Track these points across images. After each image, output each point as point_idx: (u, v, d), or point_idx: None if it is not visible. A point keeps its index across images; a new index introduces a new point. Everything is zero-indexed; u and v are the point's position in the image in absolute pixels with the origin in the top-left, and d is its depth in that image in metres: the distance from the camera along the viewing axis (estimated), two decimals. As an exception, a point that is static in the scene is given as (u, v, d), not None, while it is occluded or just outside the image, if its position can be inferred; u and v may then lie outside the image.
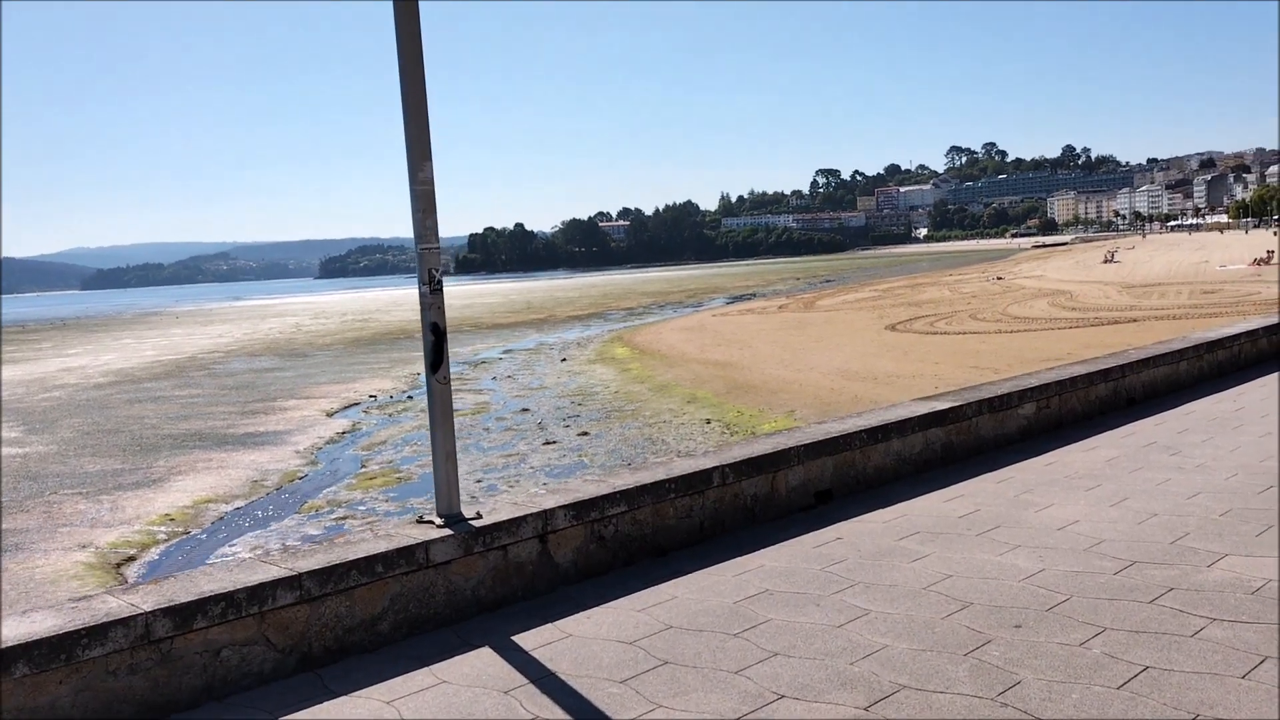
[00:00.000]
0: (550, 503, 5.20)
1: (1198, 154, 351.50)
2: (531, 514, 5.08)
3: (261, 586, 4.13)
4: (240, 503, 18.82)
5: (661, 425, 23.21)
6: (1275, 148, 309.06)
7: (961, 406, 6.63)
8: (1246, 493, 5.99)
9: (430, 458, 5.07)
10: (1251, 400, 8.55)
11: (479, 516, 5.07)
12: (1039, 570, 4.92)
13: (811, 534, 5.64)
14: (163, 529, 17.11)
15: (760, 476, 5.73)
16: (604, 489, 5.30)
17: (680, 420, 23.57)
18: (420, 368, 32.55)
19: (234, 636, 4.05)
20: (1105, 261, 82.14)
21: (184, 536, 16.69)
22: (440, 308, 5.06)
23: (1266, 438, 7.03)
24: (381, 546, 4.60)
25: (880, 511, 5.94)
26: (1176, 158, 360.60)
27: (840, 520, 5.83)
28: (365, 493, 18.81)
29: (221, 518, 17.82)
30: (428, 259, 4.97)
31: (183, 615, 3.91)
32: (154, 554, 15.87)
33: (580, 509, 5.18)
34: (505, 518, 5.05)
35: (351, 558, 4.44)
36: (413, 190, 4.84)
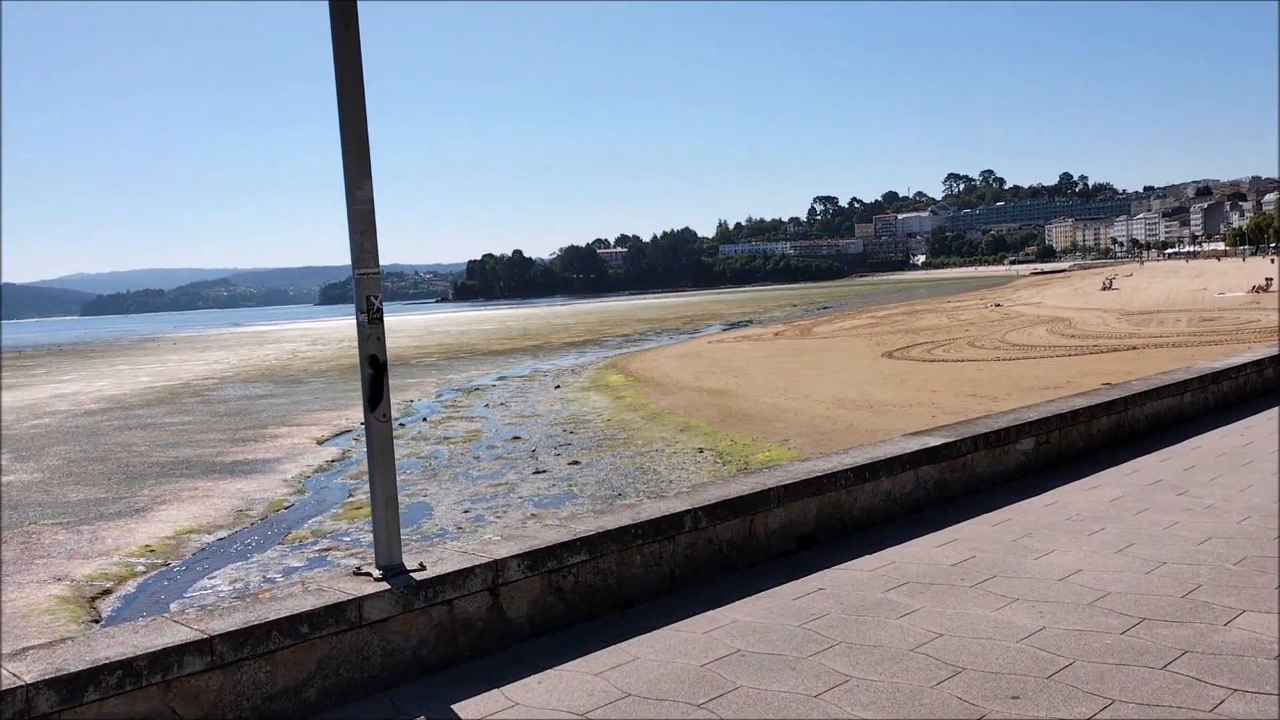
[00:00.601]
0: (503, 551, 4.74)
1: (1194, 182, 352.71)
2: (481, 564, 4.63)
3: (166, 652, 3.68)
4: (224, 533, 18.33)
5: (653, 454, 22.75)
6: (1271, 176, 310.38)
7: (955, 443, 6.17)
8: (1261, 538, 5.53)
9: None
10: (1260, 435, 8.14)
11: (422, 568, 4.62)
12: (1039, 629, 4.47)
13: (791, 584, 5.17)
14: (142, 561, 16.61)
15: (737, 520, 5.29)
16: (564, 535, 4.85)
17: (672, 449, 23.12)
18: (410, 395, 32.15)
19: (133, 710, 3.60)
20: (1104, 289, 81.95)
21: (163, 569, 16.20)
22: (380, 338, 4.63)
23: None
24: (309, 603, 4.15)
25: (867, 558, 5.47)
26: (1173, 185, 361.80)
27: (823, 568, 5.35)
28: (351, 523, 18.33)
29: (203, 549, 17.33)
30: (365, 285, 4.55)
31: (72, 687, 3.46)
32: (130, 587, 15.37)
33: (536, 558, 4.73)
34: (452, 569, 4.60)
35: (273, 617, 3.98)
36: (350, 210, 4.42)
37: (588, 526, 4.89)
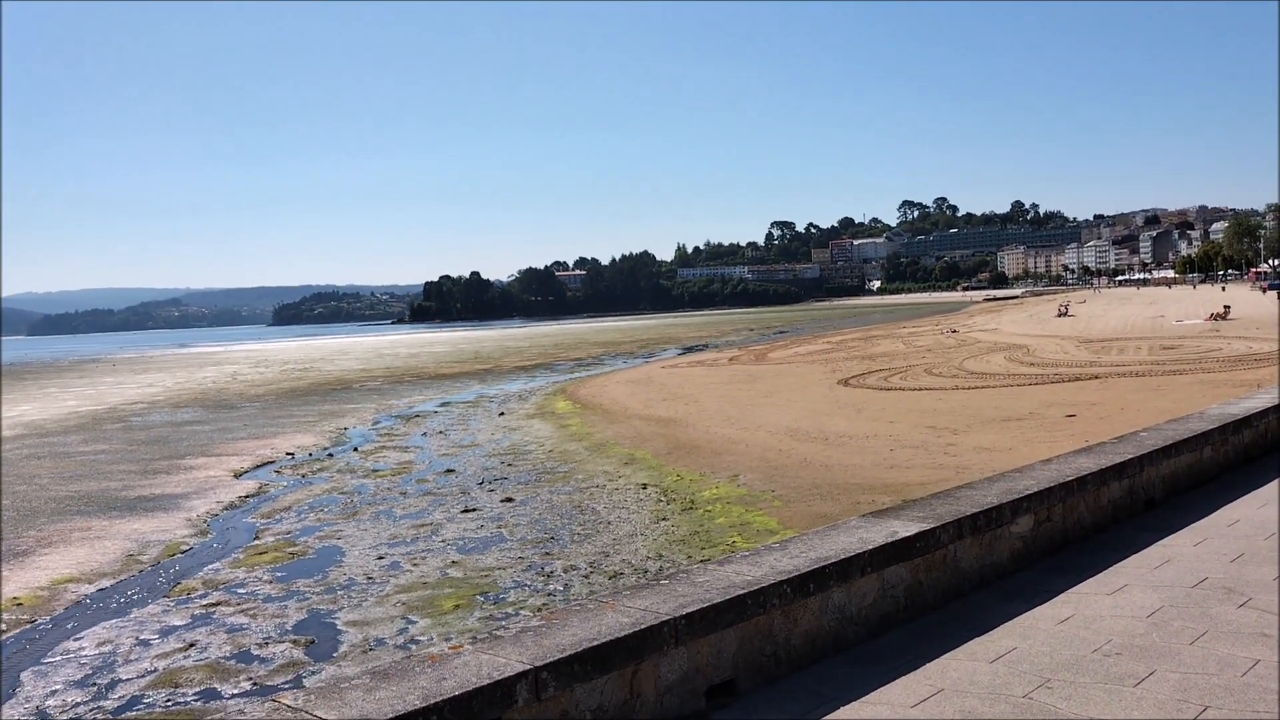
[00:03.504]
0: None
1: (1143, 210, 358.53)
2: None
3: None
4: (106, 582, 16.43)
5: (594, 491, 21.15)
6: (1218, 205, 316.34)
7: (933, 530, 4.49)
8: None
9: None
10: None
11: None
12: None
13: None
14: (6, 617, 14.68)
15: (610, 677, 3.48)
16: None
17: (615, 485, 21.53)
18: (345, 422, 30.05)
19: None
20: (1059, 315, 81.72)
21: (27, 627, 14.29)
22: None
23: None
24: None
25: (811, 723, 3.80)
26: (1122, 214, 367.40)
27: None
28: (250, 571, 16.51)
29: (79, 602, 15.43)
30: None
31: None
32: (-17, 651, 13.45)
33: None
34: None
35: None
36: None
37: (352, 715, 3.05)
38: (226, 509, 21.89)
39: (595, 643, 3.42)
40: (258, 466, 27.74)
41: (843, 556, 4.05)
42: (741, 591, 3.72)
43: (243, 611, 14.21)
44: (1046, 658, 4.26)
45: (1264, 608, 4.47)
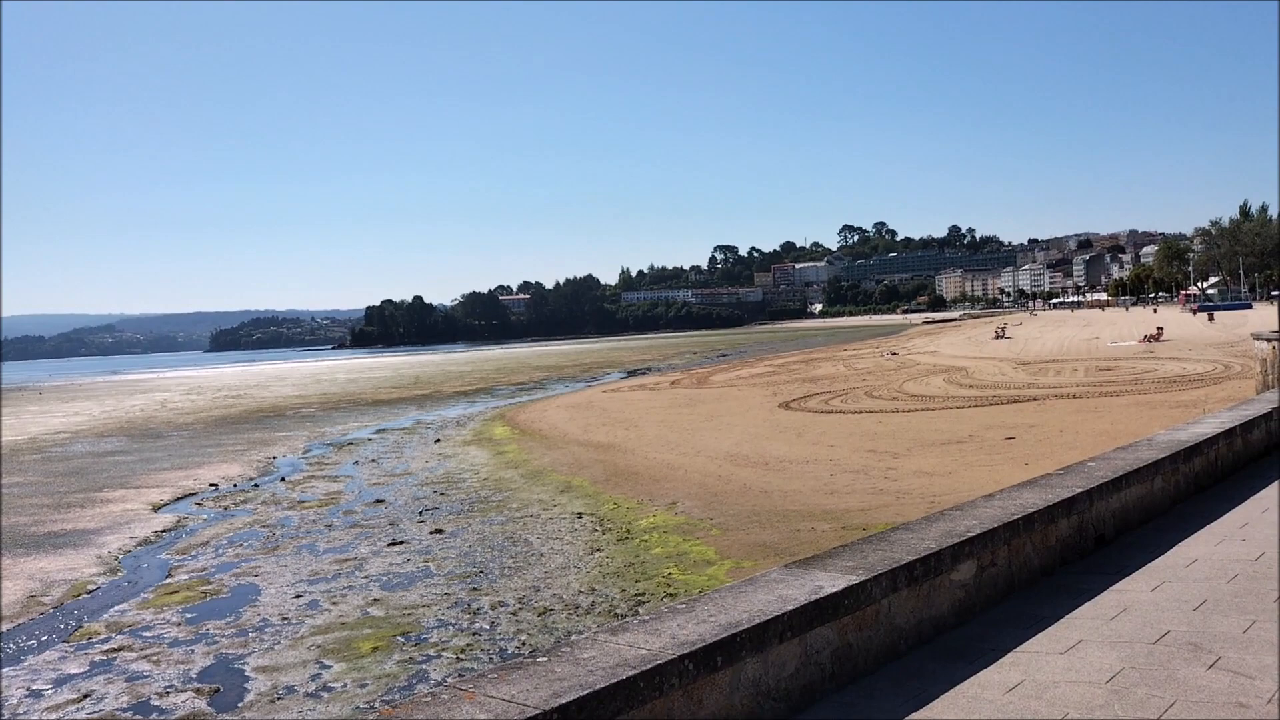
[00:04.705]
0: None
1: (1076, 235, 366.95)
2: None
3: None
4: (4, 626, 15.36)
5: (528, 520, 20.46)
6: (1148, 230, 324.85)
7: (864, 584, 3.88)
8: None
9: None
10: (1263, 537, 5.99)
11: None
12: None
13: None
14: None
15: None
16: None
17: (549, 514, 20.87)
18: (275, 450, 28.99)
19: None
20: (996, 337, 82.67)
21: (-92, 678, 13.22)
22: None
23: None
24: None
25: None
26: (1056, 238, 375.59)
27: None
28: (158, 612, 15.57)
29: (-30, 649, 14.37)
30: None
31: None
32: None
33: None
34: None
35: None
36: None
37: None
38: (140, 545, 20.82)
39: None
40: (178, 499, 26.59)
41: (758, 621, 3.42)
42: (633, 672, 3.03)
43: (146, 657, 13.31)
44: (996, 735, 3.77)
45: (1236, 668, 3.91)
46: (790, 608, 3.39)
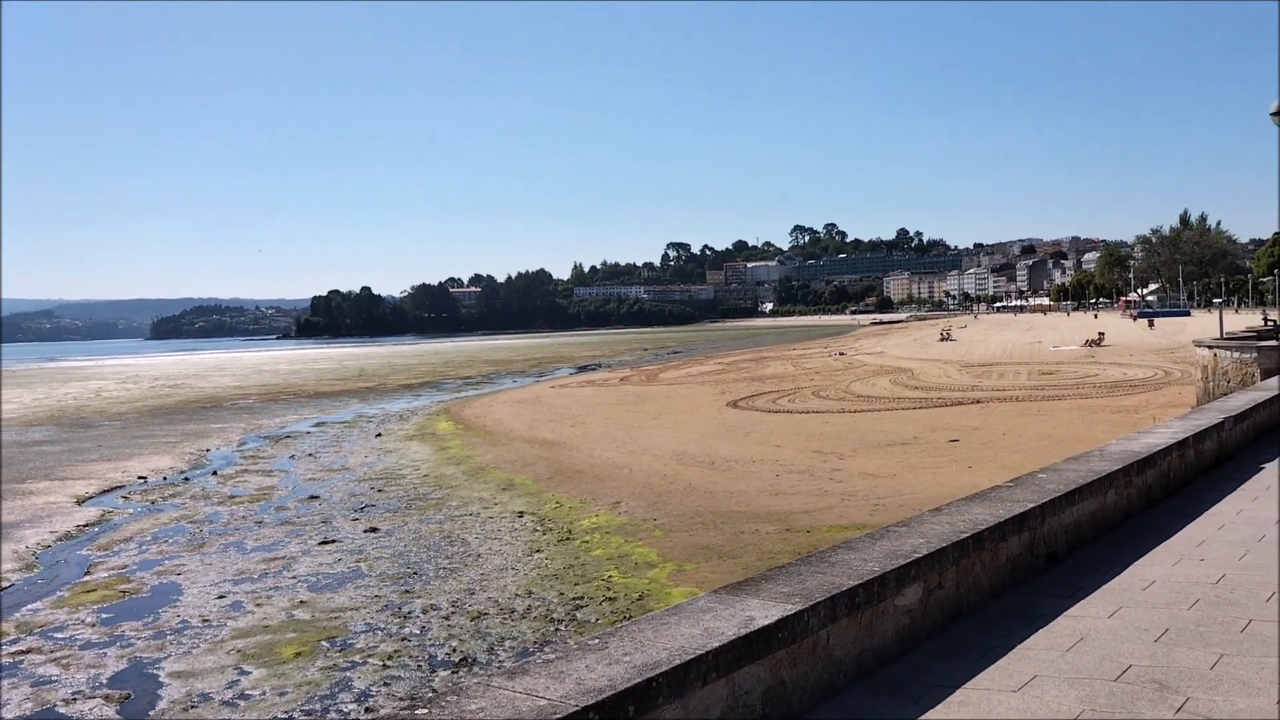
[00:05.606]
0: None
1: (1020, 240, 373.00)
2: None
3: None
4: (-95, 626, 14.54)
5: (467, 519, 19.96)
6: (1089, 236, 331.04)
7: (801, 614, 3.45)
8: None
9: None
10: (1221, 556, 5.58)
11: None
12: None
13: None
14: None
15: None
16: None
17: (489, 513, 20.38)
18: (209, 443, 28.09)
19: None
20: (941, 340, 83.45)
21: None
22: None
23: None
24: None
25: None
26: (1000, 243, 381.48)
27: None
28: (73, 612, 14.85)
29: None
30: None
31: None
32: None
33: None
34: None
35: None
36: None
37: None
38: (60, 540, 19.97)
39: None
40: (104, 491, 25.65)
41: (678, 661, 2.97)
42: (528, 720, 2.63)
43: (55, 660, 12.63)
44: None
45: (1207, 712, 3.48)
46: (717, 644, 3.00)
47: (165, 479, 27.48)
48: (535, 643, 12.07)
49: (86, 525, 21.34)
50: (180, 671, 11.88)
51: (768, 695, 3.25)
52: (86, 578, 16.87)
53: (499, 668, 10.66)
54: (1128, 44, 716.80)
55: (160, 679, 11.72)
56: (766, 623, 3.27)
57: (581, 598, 13.84)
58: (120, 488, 26.22)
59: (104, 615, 14.57)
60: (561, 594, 14.10)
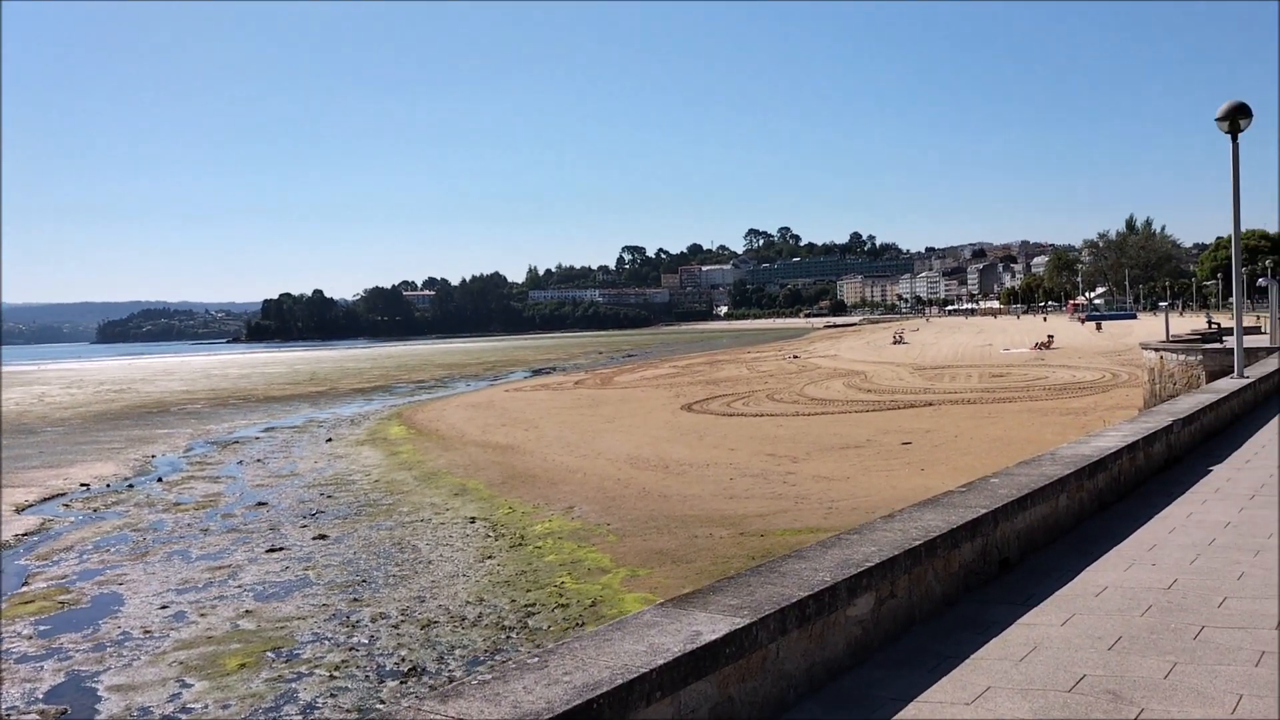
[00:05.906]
0: None
1: (970, 244, 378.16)
2: None
3: None
4: None
5: (417, 526, 19.68)
6: (1039, 241, 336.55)
7: (750, 627, 3.35)
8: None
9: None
10: (1172, 561, 5.55)
11: None
12: None
13: None
14: None
15: None
16: None
17: (441, 519, 20.12)
18: (154, 449, 27.42)
19: None
20: (894, 343, 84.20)
21: None
22: None
23: (1268, 657, 3.95)
24: None
25: None
26: (952, 247, 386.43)
27: None
28: (9, 624, 14.39)
29: None
30: None
31: None
32: None
33: None
34: None
35: None
36: None
37: None
38: (-3, 550, 19.38)
39: None
40: (45, 500, 24.99)
41: (621, 681, 2.84)
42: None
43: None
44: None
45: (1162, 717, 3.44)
46: (662, 661, 2.89)
47: (109, 486, 26.83)
48: (486, 651, 11.90)
49: (25, 534, 20.74)
50: (120, 685, 11.54)
51: (715, 712, 3.15)
52: (24, 588, 16.38)
53: (430, 689, 10.46)
54: (1076, 51, 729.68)
55: (99, 692, 11.38)
56: (714, 638, 3.16)
57: (534, 604, 13.68)
58: (62, 495, 25.56)
59: (41, 627, 14.13)
60: (513, 601, 13.92)
